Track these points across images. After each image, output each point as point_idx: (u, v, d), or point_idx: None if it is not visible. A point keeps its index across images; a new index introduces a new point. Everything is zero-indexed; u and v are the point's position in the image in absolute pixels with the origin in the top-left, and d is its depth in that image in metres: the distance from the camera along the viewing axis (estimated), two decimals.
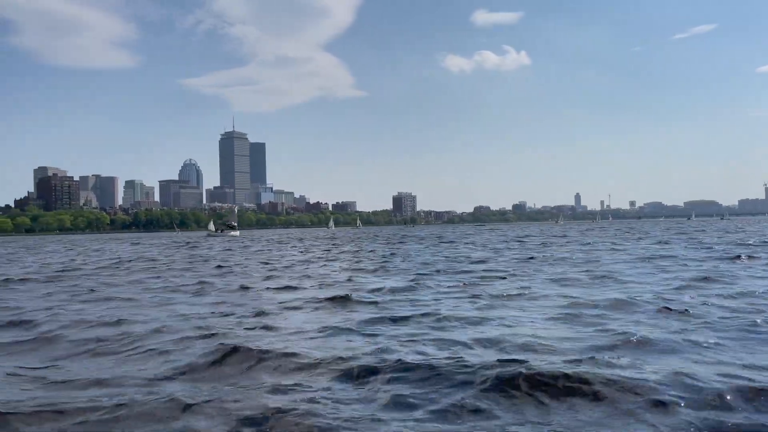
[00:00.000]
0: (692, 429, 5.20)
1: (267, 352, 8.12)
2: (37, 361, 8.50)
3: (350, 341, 8.96)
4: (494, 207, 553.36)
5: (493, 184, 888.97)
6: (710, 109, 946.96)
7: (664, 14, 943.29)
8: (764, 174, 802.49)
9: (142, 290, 17.19)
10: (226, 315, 11.97)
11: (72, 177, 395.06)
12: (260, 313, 11.93)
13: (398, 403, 6.01)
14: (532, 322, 10.27)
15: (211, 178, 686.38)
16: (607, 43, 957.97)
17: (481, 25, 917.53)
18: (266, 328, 10.30)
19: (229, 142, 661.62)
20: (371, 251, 39.03)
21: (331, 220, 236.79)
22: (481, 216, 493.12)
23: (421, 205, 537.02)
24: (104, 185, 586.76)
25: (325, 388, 6.57)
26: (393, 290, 15.36)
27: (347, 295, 13.84)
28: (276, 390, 6.55)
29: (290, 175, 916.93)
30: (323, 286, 17.18)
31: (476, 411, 5.77)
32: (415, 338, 8.94)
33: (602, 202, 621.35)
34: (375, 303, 12.99)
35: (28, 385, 7.16)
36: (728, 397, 5.82)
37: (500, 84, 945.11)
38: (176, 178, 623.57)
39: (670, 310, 10.86)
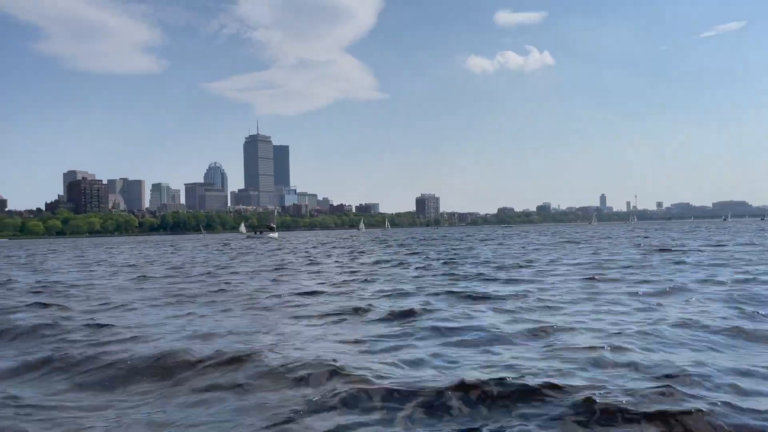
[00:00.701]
0: None
1: None
2: None
3: None
4: (518, 208, 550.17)
5: (516, 185, 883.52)
6: (738, 108, 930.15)
7: (690, 12, 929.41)
8: None
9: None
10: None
11: (101, 181, 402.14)
12: None
13: None
14: None
15: (236, 181, 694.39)
16: (632, 42, 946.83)
17: (504, 26, 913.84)
18: None
19: (253, 145, 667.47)
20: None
21: (361, 221, 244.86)
22: (505, 217, 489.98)
23: (444, 207, 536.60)
24: (131, 188, 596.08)
25: None
26: None
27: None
28: None
29: (313, 178, 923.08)
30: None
31: None
32: None
33: (628, 203, 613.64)
34: None
35: None
36: None
37: (523, 84, 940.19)
38: (202, 181, 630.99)
39: None
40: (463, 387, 6.45)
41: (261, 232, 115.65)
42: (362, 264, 29.15)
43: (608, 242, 48.21)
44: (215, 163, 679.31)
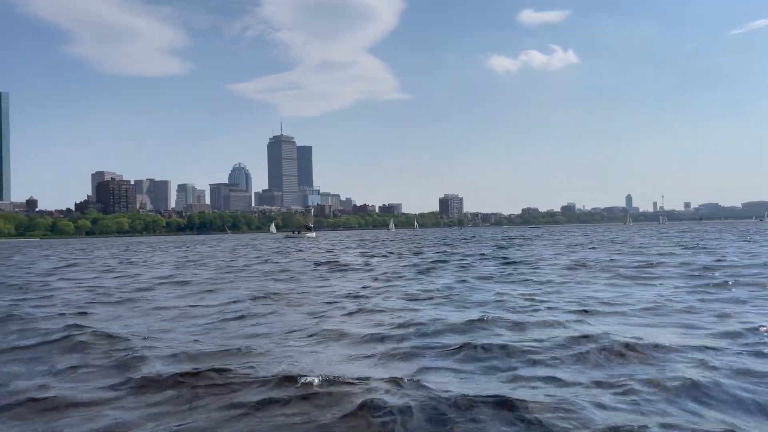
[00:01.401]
0: None
1: None
2: None
3: None
4: (542, 209, 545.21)
5: (540, 185, 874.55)
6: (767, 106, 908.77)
7: (718, 9, 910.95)
8: None
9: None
10: None
11: (128, 181, 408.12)
12: None
13: None
14: None
15: (260, 181, 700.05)
16: (658, 39, 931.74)
17: (527, 25, 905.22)
18: None
19: (277, 146, 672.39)
20: None
21: (391, 222, 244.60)
22: (529, 218, 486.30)
23: (468, 207, 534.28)
24: (158, 189, 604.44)
25: None
26: None
27: None
28: None
29: (336, 178, 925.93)
30: None
31: None
32: None
33: (655, 204, 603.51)
34: None
35: None
36: None
37: (547, 83, 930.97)
38: (226, 181, 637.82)
39: None
40: None
41: (299, 232, 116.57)
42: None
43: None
44: (240, 163, 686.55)
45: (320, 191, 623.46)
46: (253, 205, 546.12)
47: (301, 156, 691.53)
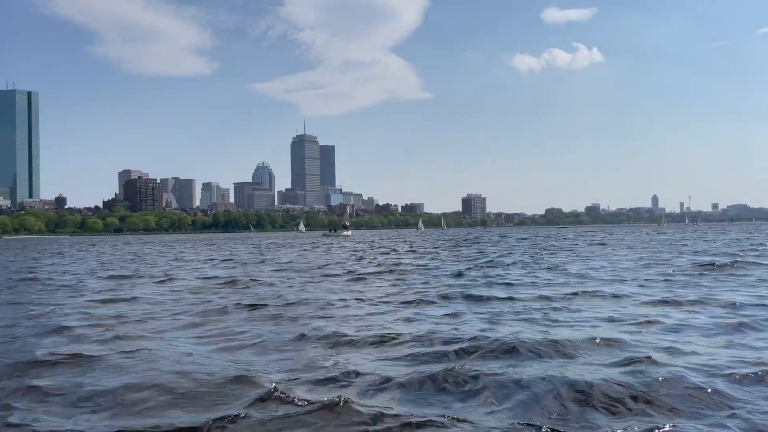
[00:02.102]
0: None
1: None
2: None
3: None
4: (565, 209, 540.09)
5: (563, 185, 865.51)
6: None
7: (747, 6, 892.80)
8: None
9: None
10: None
11: (155, 180, 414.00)
12: None
13: None
14: None
15: (283, 180, 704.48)
16: (685, 38, 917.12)
17: (551, 23, 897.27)
18: None
19: (300, 145, 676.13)
20: None
21: (420, 221, 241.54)
22: (553, 218, 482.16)
23: (490, 207, 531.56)
24: (183, 187, 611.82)
25: None
26: None
27: None
28: None
29: (358, 177, 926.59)
30: None
31: None
32: None
33: (681, 204, 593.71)
34: None
35: None
36: None
37: (571, 82, 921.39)
38: (250, 180, 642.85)
39: None
40: None
41: (336, 231, 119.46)
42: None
43: None
44: (263, 162, 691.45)
45: (342, 190, 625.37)
46: (276, 203, 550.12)
47: (323, 155, 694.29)
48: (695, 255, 33.14)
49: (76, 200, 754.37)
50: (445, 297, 15.43)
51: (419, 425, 5.86)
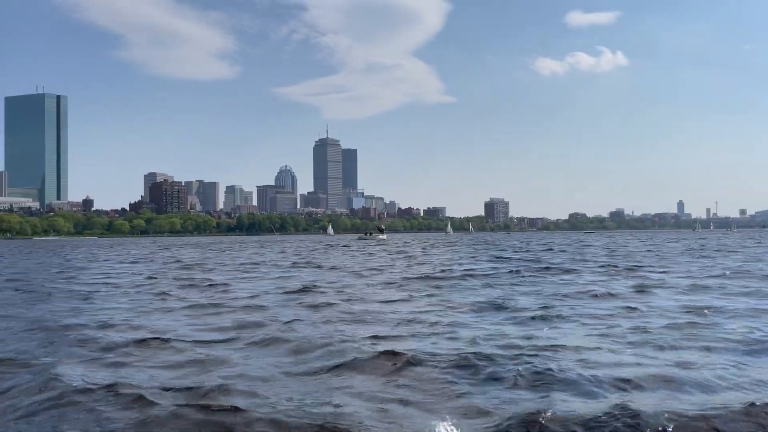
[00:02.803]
0: None
1: None
2: None
3: None
4: (589, 214, 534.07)
5: (587, 190, 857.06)
6: None
7: None
8: None
9: None
10: None
11: (180, 182, 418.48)
12: None
13: None
14: None
15: (305, 184, 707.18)
16: (712, 40, 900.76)
17: (574, 26, 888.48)
18: None
19: (322, 149, 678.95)
20: None
21: (448, 225, 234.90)
22: (577, 223, 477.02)
23: (513, 212, 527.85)
24: (207, 190, 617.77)
25: None
26: None
27: None
28: None
29: (380, 181, 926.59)
30: None
31: None
32: None
33: (708, 210, 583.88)
34: None
35: None
36: None
37: (594, 86, 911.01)
38: (273, 183, 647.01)
39: None
40: None
41: (371, 234, 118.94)
42: None
43: None
44: (286, 166, 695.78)
45: (364, 194, 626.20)
46: (298, 206, 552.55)
47: (346, 158, 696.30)
48: None
49: (103, 202, 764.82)
50: None
51: None
